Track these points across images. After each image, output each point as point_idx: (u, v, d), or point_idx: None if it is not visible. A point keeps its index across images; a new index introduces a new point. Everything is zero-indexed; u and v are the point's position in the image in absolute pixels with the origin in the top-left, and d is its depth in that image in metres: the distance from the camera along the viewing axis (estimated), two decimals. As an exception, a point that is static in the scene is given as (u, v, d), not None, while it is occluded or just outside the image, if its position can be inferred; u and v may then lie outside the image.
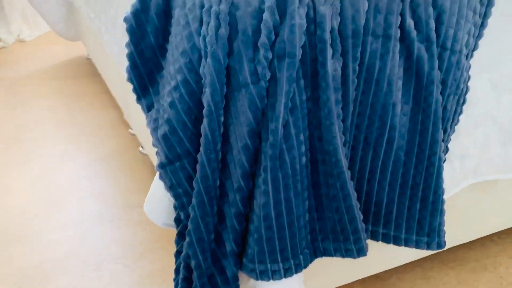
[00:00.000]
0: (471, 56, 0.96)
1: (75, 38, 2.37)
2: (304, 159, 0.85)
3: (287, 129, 0.83)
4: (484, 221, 1.20)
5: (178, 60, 0.86)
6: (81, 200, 1.52)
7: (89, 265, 1.28)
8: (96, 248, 1.34)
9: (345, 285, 1.20)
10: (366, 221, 0.95)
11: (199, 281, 0.88)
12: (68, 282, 1.23)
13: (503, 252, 1.27)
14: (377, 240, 0.96)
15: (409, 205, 0.94)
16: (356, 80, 0.86)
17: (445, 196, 1.02)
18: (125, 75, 1.50)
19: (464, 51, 0.92)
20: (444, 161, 0.97)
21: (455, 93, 0.93)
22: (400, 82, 0.89)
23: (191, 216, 0.87)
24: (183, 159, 0.88)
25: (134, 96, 0.98)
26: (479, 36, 0.95)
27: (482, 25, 0.95)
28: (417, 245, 0.94)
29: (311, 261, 0.91)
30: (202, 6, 0.84)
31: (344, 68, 0.85)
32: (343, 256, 0.92)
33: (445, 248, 1.12)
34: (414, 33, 0.88)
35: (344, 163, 0.86)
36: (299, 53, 0.81)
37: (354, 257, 0.91)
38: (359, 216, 0.88)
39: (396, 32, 0.87)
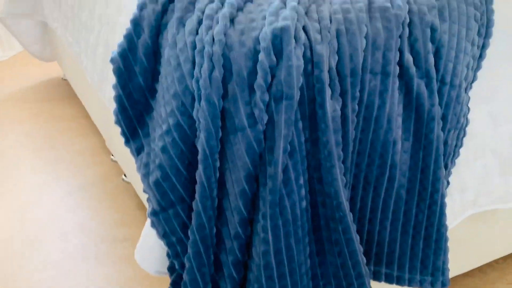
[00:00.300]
0: (470, 88, 0.94)
1: (51, 58, 2.29)
2: (304, 203, 0.82)
3: (286, 174, 0.80)
4: (483, 250, 1.18)
5: (170, 103, 0.82)
6: (63, 235, 1.45)
7: (74, 307, 1.22)
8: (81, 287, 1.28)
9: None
10: (368, 261, 0.92)
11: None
12: (53, 328, 1.17)
13: (501, 278, 1.25)
14: (380, 281, 0.92)
15: (412, 244, 0.91)
16: (355, 119, 0.83)
17: (445, 230, 0.99)
18: (105, 102, 1.45)
19: (464, 85, 0.90)
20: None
21: (456, 127, 0.91)
22: (400, 119, 0.86)
23: (186, 266, 0.82)
24: (177, 206, 0.84)
25: (122, 139, 0.93)
26: (477, 68, 0.93)
27: (481, 57, 0.93)
28: (421, 285, 0.92)
29: (313, 307, 0.87)
30: (194, 47, 0.80)
31: (343, 107, 0.82)
32: (346, 301, 0.88)
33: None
34: (413, 69, 0.85)
35: (346, 205, 0.82)
36: (297, 94, 0.78)
37: (358, 302, 0.87)
38: (363, 260, 0.85)
39: (395, 69, 0.84)
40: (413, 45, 0.85)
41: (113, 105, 1.31)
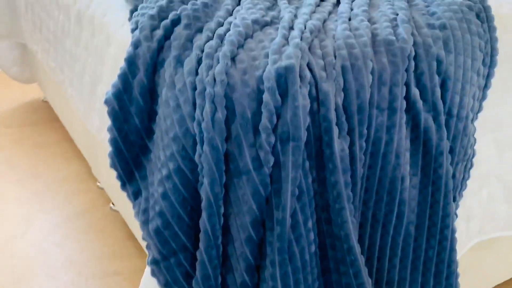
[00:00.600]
0: (476, 118, 0.91)
1: (30, 80, 2.23)
2: (313, 247, 0.78)
3: (295, 217, 0.76)
4: (487, 276, 1.16)
5: (170, 146, 0.77)
6: (51, 270, 1.39)
7: None
8: (73, 328, 1.22)
9: None
10: (378, 301, 0.89)
11: None
12: None
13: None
14: (390, 320, 0.89)
15: (422, 281, 0.88)
16: (363, 157, 0.80)
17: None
18: (89, 130, 1.39)
19: (470, 116, 0.88)
20: (454, 230, 0.92)
21: (463, 159, 0.89)
22: (407, 154, 0.84)
23: (191, 318, 0.78)
24: (179, 255, 0.79)
25: (110, 170, 0.88)
26: (483, 98, 0.91)
27: (486, 86, 0.91)
28: (432, 323, 0.89)
29: None
30: (194, 88, 0.76)
31: (351, 145, 0.79)
32: None
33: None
34: (420, 104, 0.82)
35: (357, 249, 0.79)
36: (304, 135, 0.74)
37: None
38: (375, 303, 0.82)
39: (402, 104, 0.81)
40: (420, 79, 0.83)
41: (101, 135, 1.26)
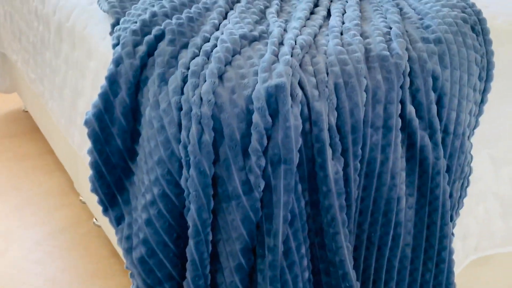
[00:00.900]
0: (472, 134, 0.89)
1: (10, 90, 2.16)
2: (307, 274, 0.75)
3: (287, 244, 0.72)
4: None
5: (154, 170, 0.73)
6: (32, 291, 1.34)
7: None
8: None
9: None
10: (373, 326, 0.85)
11: None
12: None
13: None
14: None
15: (419, 305, 0.85)
16: (358, 178, 0.77)
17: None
18: (71, 143, 1.35)
19: (467, 132, 0.85)
20: (451, 251, 0.89)
21: (460, 177, 0.86)
22: (403, 174, 0.80)
23: None
24: (165, 284, 0.75)
25: (96, 199, 0.84)
26: (479, 113, 0.88)
27: (482, 101, 0.88)
28: None
29: None
30: (179, 108, 0.72)
31: (345, 167, 0.75)
32: None
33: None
34: (416, 122, 0.79)
35: (353, 275, 0.75)
36: (296, 158, 0.71)
37: None
38: (371, 331, 0.78)
39: (397, 122, 0.78)
40: (415, 96, 0.79)
41: (82, 151, 1.21)
